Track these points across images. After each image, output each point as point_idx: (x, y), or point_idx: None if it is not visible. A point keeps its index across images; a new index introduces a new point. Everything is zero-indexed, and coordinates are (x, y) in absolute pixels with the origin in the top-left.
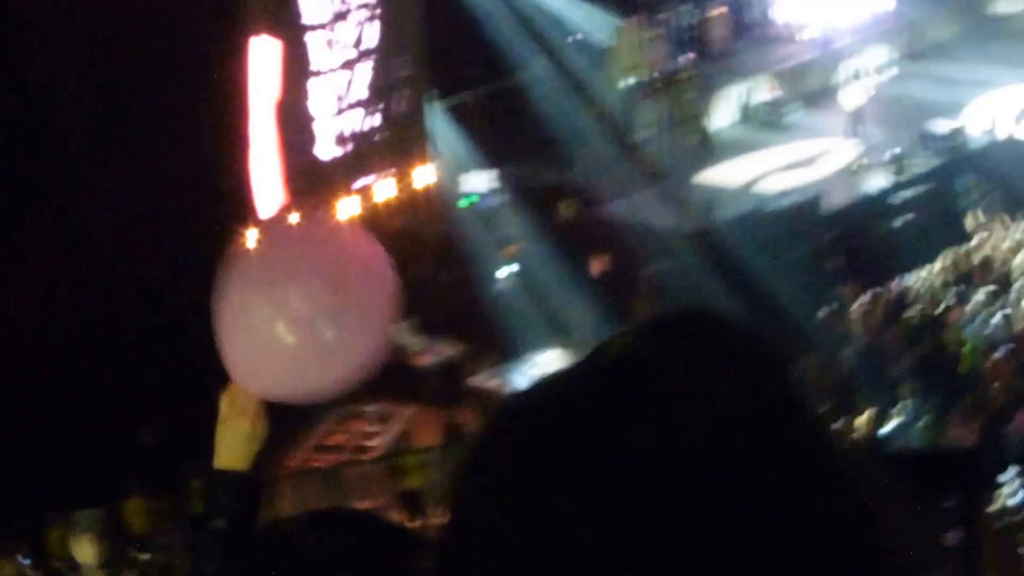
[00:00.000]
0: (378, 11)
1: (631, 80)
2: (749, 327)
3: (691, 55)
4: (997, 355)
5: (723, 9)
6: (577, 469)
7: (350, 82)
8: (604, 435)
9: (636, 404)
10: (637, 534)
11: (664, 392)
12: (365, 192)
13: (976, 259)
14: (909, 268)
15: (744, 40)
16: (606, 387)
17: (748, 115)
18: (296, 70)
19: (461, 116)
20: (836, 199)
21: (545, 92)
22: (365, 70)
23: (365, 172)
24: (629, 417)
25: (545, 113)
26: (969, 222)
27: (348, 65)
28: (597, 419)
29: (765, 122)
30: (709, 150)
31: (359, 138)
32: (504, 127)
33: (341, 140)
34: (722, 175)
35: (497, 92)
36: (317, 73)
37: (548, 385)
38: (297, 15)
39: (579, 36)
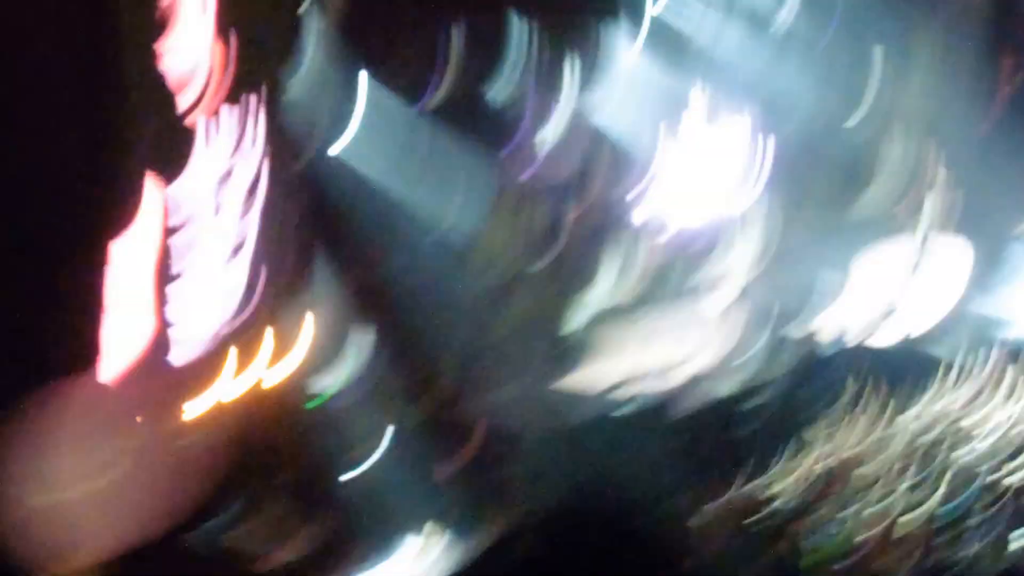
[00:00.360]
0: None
1: (489, 278)
2: None
3: (549, 254)
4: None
5: (585, 209)
6: None
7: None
8: None
9: None
10: None
11: None
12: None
13: (821, 467)
14: (756, 475)
15: (605, 239)
16: None
17: (606, 313)
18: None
19: (322, 304)
20: (686, 403)
21: (403, 287)
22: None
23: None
24: None
25: (402, 308)
26: (811, 432)
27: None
28: None
29: (623, 320)
30: (566, 348)
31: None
32: (365, 319)
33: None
34: (578, 379)
35: (358, 284)
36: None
37: None
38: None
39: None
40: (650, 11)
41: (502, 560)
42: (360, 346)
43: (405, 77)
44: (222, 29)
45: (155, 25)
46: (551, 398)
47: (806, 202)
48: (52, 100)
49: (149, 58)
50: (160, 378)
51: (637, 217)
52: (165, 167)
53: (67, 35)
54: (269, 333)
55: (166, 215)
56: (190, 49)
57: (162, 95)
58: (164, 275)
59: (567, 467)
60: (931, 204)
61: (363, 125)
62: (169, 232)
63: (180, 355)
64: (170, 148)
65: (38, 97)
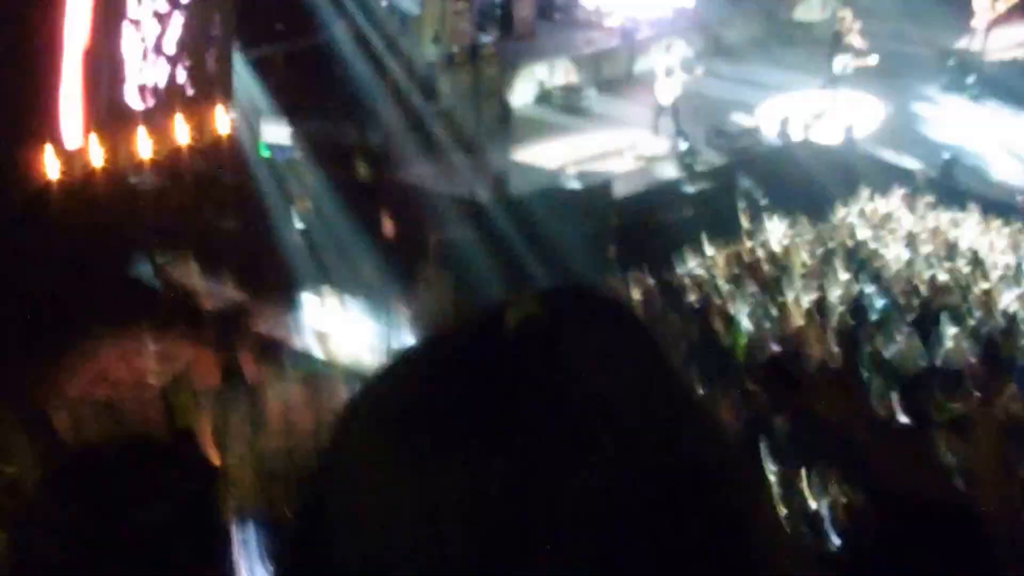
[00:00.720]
0: None
1: (435, 50)
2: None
3: (495, 33)
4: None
5: None
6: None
7: (161, 34)
8: (521, 398)
9: (550, 373)
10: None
11: (575, 365)
12: (165, 133)
13: (749, 256)
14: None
15: (548, 23)
16: (521, 356)
17: (546, 96)
18: (110, 15)
19: (264, 70)
20: (626, 186)
21: (350, 53)
22: (176, 24)
23: (167, 117)
24: (543, 384)
25: (349, 74)
26: (743, 221)
27: (160, 17)
28: (513, 385)
29: (561, 104)
30: (507, 125)
31: (164, 91)
32: (307, 84)
33: (145, 91)
34: (527, 154)
35: (302, 49)
36: (130, 20)
37: (438, 351)
38: None
39: (387, 2)
40: None
41: None
42: (305, 104)
43: None
44: None
45: None
46: (493, 169)
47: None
48: None
49: None
50: (114, 114)
51: (584, 2)
52: None
53: None
54: (214, 79)
55: None
56: None
57: None
58: (118, 19)
59: (504, 238)
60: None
61: None
62: None
63: (131, 98)
64: None
65: None
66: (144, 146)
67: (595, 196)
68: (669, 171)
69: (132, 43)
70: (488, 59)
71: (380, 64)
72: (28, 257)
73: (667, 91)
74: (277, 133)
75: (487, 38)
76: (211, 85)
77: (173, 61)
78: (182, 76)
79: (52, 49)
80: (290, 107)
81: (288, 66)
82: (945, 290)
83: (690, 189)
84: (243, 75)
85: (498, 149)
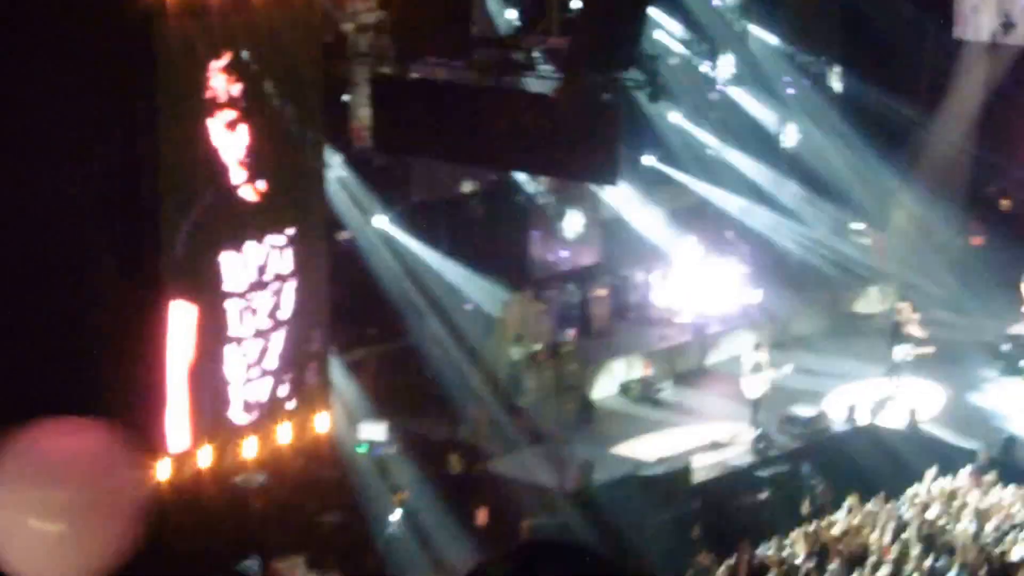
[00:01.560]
0: (294, 282)
1: (518, 349)
2: (603, 556)
3: (574, 330)
4: None
5: (605, 291)
6: None
7: (263, 351)
8: None
9: None
10: None
11: None
12: (268, 436)
13: (826, 535)
14: (764, 540)
15: (623, 320)
16: None
17: (624, 390)
18: (213, 334)
19: (359, 371)
20: (705, 471)
21: (438, 353)
22: (277, 340)
23: (270, 422)
24: None
25: (438, 373)
26: (813, 503)
27: (262, 335)
28: None
29: (639, 397)
30: (588, 418)
31: (267, 403)
32: (399, 384)
33: (248, 405)
34: (609, 445)
35: (393, 351)
36: (233, 339)
37: None
38: (218, 282)
39: (472, 305)
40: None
41: None
42: (398, 403)
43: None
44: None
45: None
46: (577, 460)
47: (813, 295)
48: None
49: (197, 138)
50: (221, 428)
51: (656, 301)
52: (219, 239)
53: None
54: (315, 389)
55: (221, 283)
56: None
57: (213, 171)
58: (221, 338)
59: (590, 525)
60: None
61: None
62: (224, 297)
63: (236, 413)
64: (223, 221)
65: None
66: (249, 449)
67: (676, 481)
68: (745, 457)
69: (235, 360)
70: (568, 356)
71: (467, 363)
72: (140, 555)
73: (755, 386)
74: (373, 430)
75: (567, 337)
76: (311, 393)
77: (275, 375)
78: (284, 388)
79: (159, 364)
80: (384, 406)
81: (381, 367)
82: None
83: (765, 473)
84: (340, 377)
85: (581, 440)
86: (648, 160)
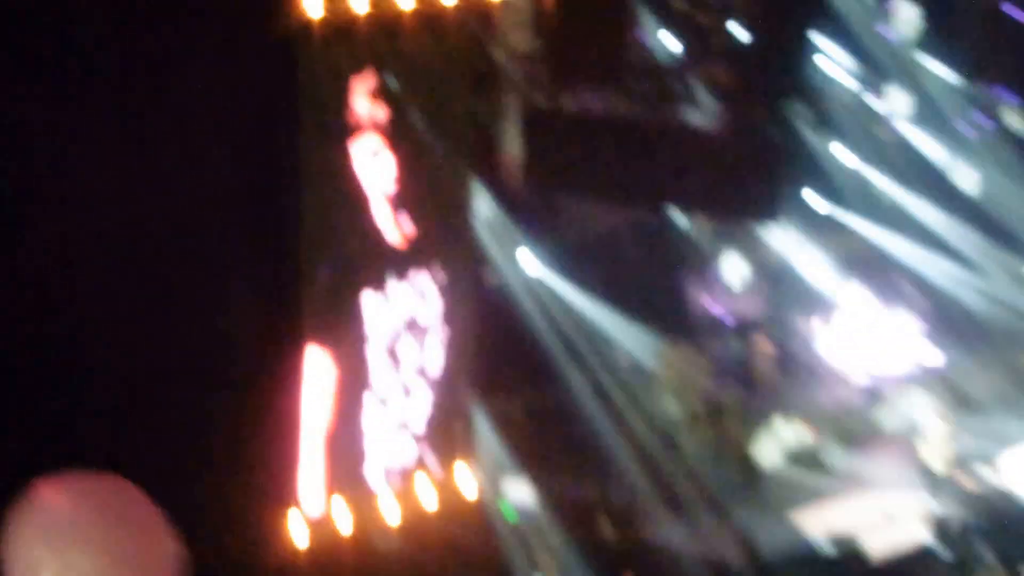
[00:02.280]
0: (441, 329)
1: (677, 407)
2: None
3: (736, 387)
4: None
5: (769, 343)
6: None
7: (407, 410)
8: None
9: None
10: None
11: None
12: (410, 500)
13: None
14: None
15: (788, 376)
16: None
17: (790, 453)
18: (355, 392)
19: (505, 425)
20: (878, 547)
21: (590, 407)
22: (423, 400)
23: (413, 484)
24: None
25: (590, 429)
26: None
27: (408, 393)
28: None
29: (806, 462)
30: (752, 483)
31: (410, 464)
32: (548, 440)
33: (389, 466)
34: (774, 514)
35: (541, 403)
36: (374, 391)
37: None
38: (359, 327)
39: (626, 355)
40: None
41: None
42: (545, 460)
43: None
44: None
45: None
46: (739, 529)
47: (995, 353)
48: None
49: (339, 166)
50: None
51: (824, 356)
52: (360, 278)
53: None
54: (460, 448)
55: (362, 327)
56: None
57: (355, 203)
58: (360, 390)
59: None
60: None
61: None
62: (365, 343)
63: (374, 474)
64: (365, 258)
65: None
66: (390, 513)
67: (848, 558)
68: (920, 532)
69: (377, 420)
70: (730, 415)
71: (621, 420)
72: None
73: (933, 454)
74: (518, 490)
75: (729, 394)
76: (456, 453)
77: (419, 436)
78: (428, 449)
79: (293, 417)
80: (530, 463)
81: (528, 421)
82: None
83: (947, 554)
84: (484, 431)
85: (744, 508)
86: (813, 200)
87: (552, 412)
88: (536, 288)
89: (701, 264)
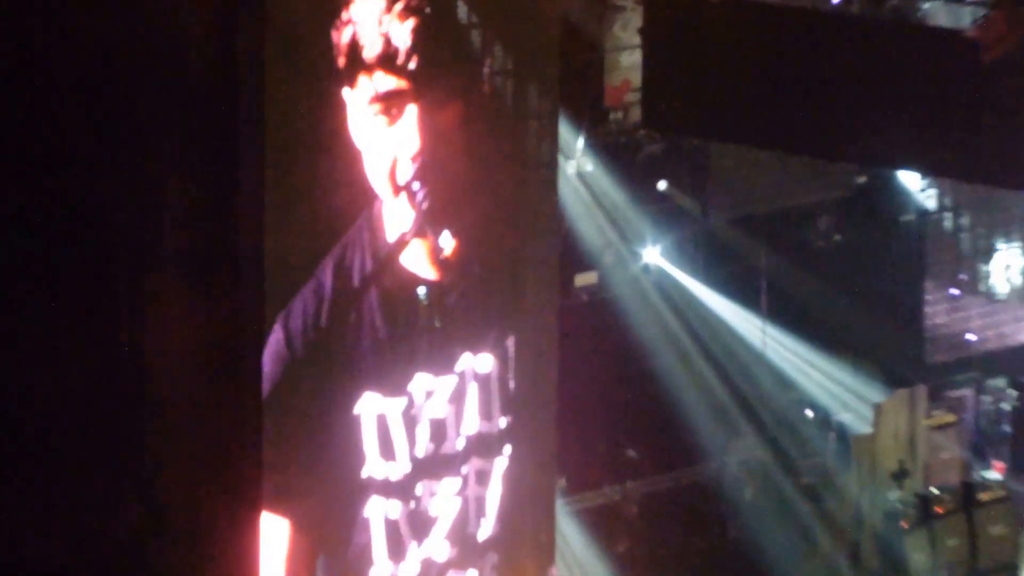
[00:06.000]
0: (501, 379)
1: (900, 494)
2: None
3: (999, 464)
4: None
5: None
6: None
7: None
8: None
9: None
10: None
11: None
12: None
13: None
14: None
15: None
16: None
17: None
18: None
19: (633, 524)
20: None
21: (753, 496)
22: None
23: None
24: None
25: (752, 528)
26: None
27: (480, 476)
28: None
29: None
30: None
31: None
32: (683, 543)
33: None
34: None
35: (672, 488)
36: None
37: None
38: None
39: (816, 411)
40: None
41: None
42: None
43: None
44: None
45: None
46: None
47: None
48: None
49: None
50: None
51: None
52: None
53: None
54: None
55: None
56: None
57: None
58: None
59: None
60: None
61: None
62: None
63: None
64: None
65: None
66: None
67: None
68: None
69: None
70: (991, 508)
71: (806, 513)
72: None
73: None
74: None
75: (990, 473)
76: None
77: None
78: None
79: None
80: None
81: (649, 516)
82: None
83: None
84: (572, 534)
85: None
86: None
87: (690, 501)
88: (661, 294)
89: (947, 262)
